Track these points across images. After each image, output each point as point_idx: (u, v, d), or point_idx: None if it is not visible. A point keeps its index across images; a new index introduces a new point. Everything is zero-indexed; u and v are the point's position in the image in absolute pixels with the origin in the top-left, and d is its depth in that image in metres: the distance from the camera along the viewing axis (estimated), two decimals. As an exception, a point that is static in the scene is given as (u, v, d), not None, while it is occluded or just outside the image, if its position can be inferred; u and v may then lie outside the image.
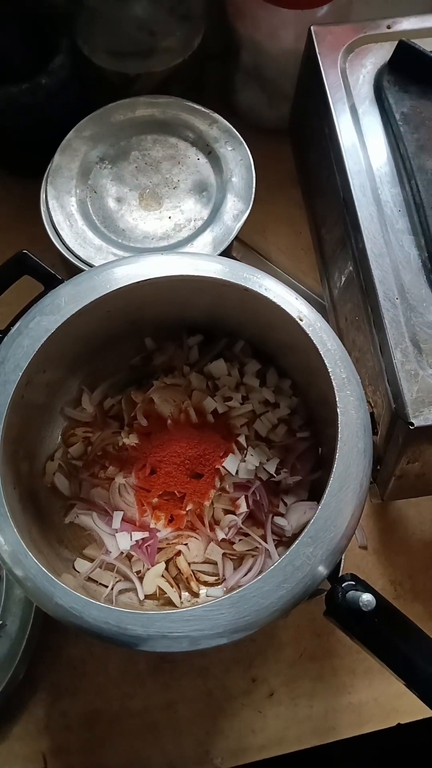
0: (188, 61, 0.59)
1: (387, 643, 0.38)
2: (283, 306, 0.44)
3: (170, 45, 0.58)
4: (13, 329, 0.43)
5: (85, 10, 0.56)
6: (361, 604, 0.37)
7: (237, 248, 0.57)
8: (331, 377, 0.42)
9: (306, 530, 0.39)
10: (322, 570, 0.39)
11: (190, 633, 0.37)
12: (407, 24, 0.54)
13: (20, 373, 0.42)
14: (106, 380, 0.56)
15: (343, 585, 0.39)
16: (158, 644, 0.37)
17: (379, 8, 0.68)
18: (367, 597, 0.37)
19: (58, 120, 0.59)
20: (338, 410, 0.41)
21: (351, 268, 0.50)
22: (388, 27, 0.54)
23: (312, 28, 0.54)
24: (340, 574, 0.41)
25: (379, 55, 0.54)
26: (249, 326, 0.53)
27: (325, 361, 0.42)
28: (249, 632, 0.38)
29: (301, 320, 0.43)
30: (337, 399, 0.41)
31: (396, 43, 0.51)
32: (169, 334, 0.56)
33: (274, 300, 0.44)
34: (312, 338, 0.43)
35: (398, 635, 0.38)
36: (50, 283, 0.47)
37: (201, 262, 0.45)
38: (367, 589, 0.39)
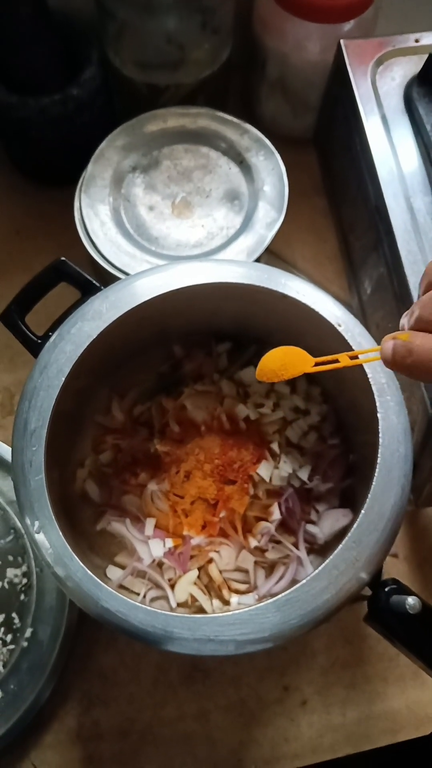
0: (216, 73, 0.60)
1: (433, 648, 0.38)
2: (321, 312, 0.44)
3: (199, 57, 0.58)
4: (55, 334, 0.43)
5: (116, 23, 0.56)
6: (407, 606, 0.37)
7: (263, 256, 0.57)
8: (371, 383, 0.42)
9: (349, 535, 0.39)
10: (365, 575, 0.39)
11: (236, 637, 0.37)
12: (435, 38, 0.55)
13: (63, 378, 0.42)
14: (136, 388, 0.56)
15: (386, 589, 0.39)
16: (205, 648, 0.37)
17: (400, 23, 0.69)
18: (413, 600, 0.37)
19: (88, 130, 0.60)
20: (379, 415, 0.41)
21: (383, 274, 0.51)
22: (416, 41, 0.55)
23: (342, 42, 0.55)
24: (381, 580, 0.41)
25: (407, 67, 0.55)
26: (277, 333, 0.53)
27: (365, 367, 0.43)
28: (293, 637, 0.38)
29: (339, 326, 0.44)
30: (377, 404, 0.42)
31: (425, 56, 0.52)
32: (197, 342, 0.56)
33: (312, 306, 0.44)
34: (351, 344, 0.43)
35: (444, 639, 0.38)
36: (88, 290, 0.47)
37: (238, 268, 0.46)
38: (410, 593, 0.39)
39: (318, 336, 0.46)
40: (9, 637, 0.51)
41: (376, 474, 0.40)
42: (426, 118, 0.51)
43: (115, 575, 0.49)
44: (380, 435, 0.41)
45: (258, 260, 0.54)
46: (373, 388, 0.42)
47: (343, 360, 0.38)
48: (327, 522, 0.50)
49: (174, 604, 0.48)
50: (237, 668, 0.53)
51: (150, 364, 0.56)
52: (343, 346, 0.43)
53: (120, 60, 0.59)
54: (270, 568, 0.50)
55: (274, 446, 0.52)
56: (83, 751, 0.51)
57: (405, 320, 0.34)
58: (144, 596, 0.48)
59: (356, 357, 0.39)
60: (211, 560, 0.50)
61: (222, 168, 0.57)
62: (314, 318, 0.45)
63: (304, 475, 0.51)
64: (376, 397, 0.42)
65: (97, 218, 0.54)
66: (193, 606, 0.49)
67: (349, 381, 0.46)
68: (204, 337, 0.56)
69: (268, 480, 0.50)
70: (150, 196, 0.56)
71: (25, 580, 0.53)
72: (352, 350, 0.43)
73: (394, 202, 0.49)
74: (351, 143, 0.55)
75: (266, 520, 0.50)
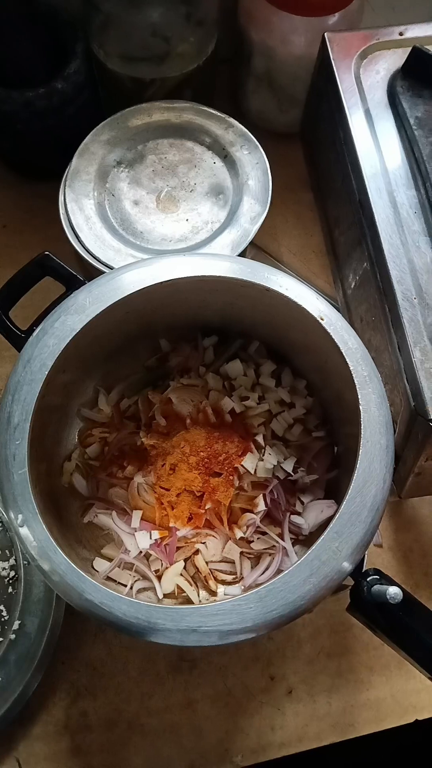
0: (202, 66, 0.60)
1: (413, 636, 0.38)
2: (304, 305, 0.44)
3: (185, 51, 0.58)
4: (39, 329, 0.43)
5: (100, 15, 0.56)
6: (388, 596, 0.37)
7: (249, 250, 0.58)
8: (353, 375, 0.42)
9: (331, 525, 0.39)
10: (347, 565, 0.39)
11: (220, 627, 0.37)
12: (419, 31, 0.55)
13: (46, 372, 0.42)
14: (122, 381, 0.56)
15: (368, 579, 0.40)
16: (188, 639, 0.37)
17: (387, 16, 0.70)
18: (393, 590, 0.38)
19: (73, 124, 0.60)
20: (360, 408, 0.42)
21: (367, 268, 0.51)
22: (400, 34, 0.55)
23: (326, 34, 0.55)
24: (364, 570, 0.41)
25: (391, 61, 0.55)
26: (263, 327, 0.54)
27: (347, 360, 0.43)
28: (276, 627, 0.38)
29: (322, 319, 0.44)
30: (359, 397, 0.42)
31: (409, 49, 0.52)
32: (183, 336, 0.56)
33: (296, 299, 0.45)
34: (333, 337, 0.43)
35: (424, 628, 0.38)
36: (72, 284, 0.47)
37: (222, 262, 0.46)
38: (392, 583, 0.40)
39: (302, 330, 0.47)
40: (-3, 630, 0.52)
41: (357, 465, 0.40)
42: (409, 112, 0.51)
43: (103, 567, 0.49)
44: (362, 427, 0.41)
45: (243, 254, 0.55)
46: (355, 380, 0.42)
47: None
48: (312, 513, 0.51)
49: (161, 595, 0.48)
50: (223, 658, 0.54)
51: (137, 357, 0.56)
52: (327, 339, 0.44)
53: (105, 53, 0.59)
54: (256, 559, 0.51)
55: (259, 438, 0.52)
56: (71, 742, 0.52)
57: None
58: (131, 587, 0.49)
59: None
60: (197, 551, 0.50)
61: (206, 162, 0.57)
62: (298, 312, 0.45)
63: (289, 466, 0.51)
64: (357, 389, 0.42)
65: (81, 213, 0.54)
66: (179, 597, 0.49)
67: (333, 374, 0.47)
68: (190, 331, 0.56)
69: (253, 472, 0.51)
70: (135, 190, 0.56)
71: (12, 573, 0.53)
72: (335, 344, 0.43)
73: (377, 196, 0.49)
74: (335, 137, 0.55)
75: (251, 511, 0.51)
